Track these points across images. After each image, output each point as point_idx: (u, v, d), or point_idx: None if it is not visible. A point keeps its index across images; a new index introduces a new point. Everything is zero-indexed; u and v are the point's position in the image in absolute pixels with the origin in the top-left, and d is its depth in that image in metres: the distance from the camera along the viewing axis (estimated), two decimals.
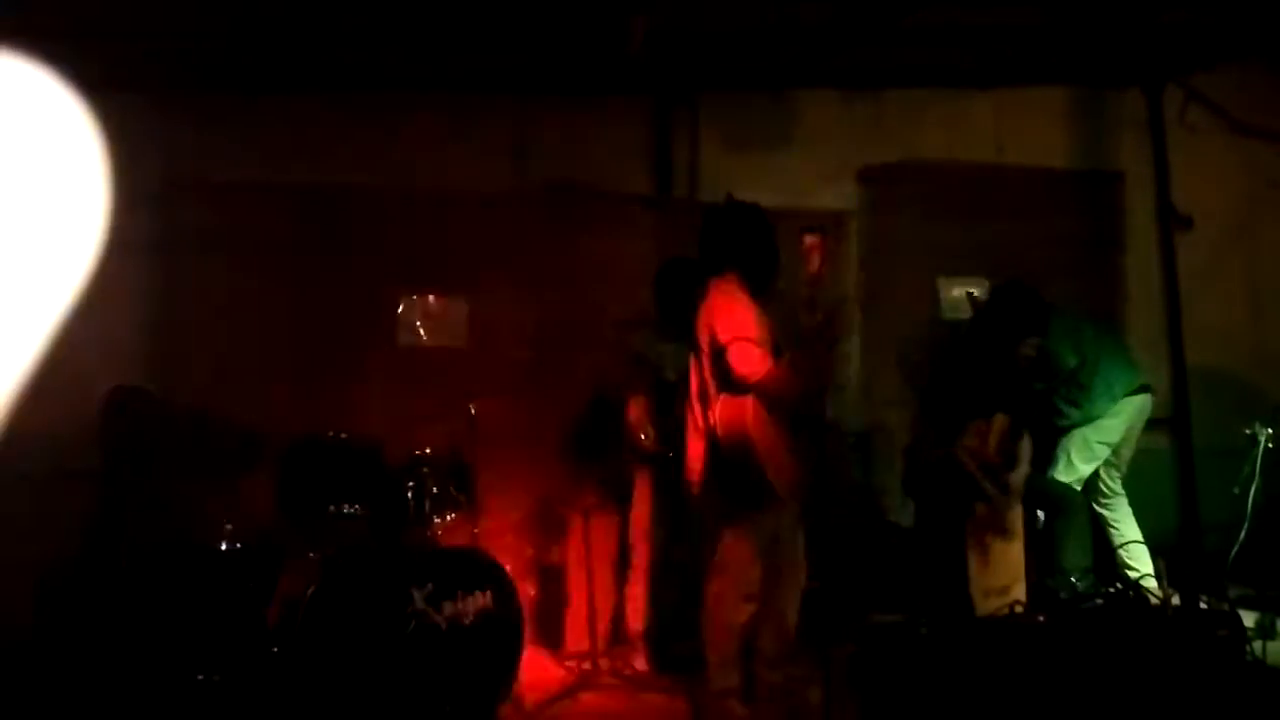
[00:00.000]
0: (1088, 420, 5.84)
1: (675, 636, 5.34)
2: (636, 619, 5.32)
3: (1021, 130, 7.04)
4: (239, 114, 5.72)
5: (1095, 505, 6.01)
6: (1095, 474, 6.00)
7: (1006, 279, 6.06)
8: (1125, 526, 6.00)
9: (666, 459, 5.17)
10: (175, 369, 5.46)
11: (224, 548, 4.37)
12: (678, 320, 4.88)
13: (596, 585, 5.32)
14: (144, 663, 4.15)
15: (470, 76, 6.02)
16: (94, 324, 5.60)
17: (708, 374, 4.30)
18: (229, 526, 4.54)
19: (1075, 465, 5.84)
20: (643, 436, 5.25)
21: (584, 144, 6.29)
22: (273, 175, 5.69)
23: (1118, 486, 6.02)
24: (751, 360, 4.07)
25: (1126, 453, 6.03)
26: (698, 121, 6.52)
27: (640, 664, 5.20)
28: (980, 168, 6.96)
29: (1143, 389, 5.94)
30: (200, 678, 4.13)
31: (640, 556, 5.33)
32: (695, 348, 4.38)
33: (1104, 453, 5.89)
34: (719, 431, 4.16)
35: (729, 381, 4.14)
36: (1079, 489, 5.83)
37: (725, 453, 4.15)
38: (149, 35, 4.99)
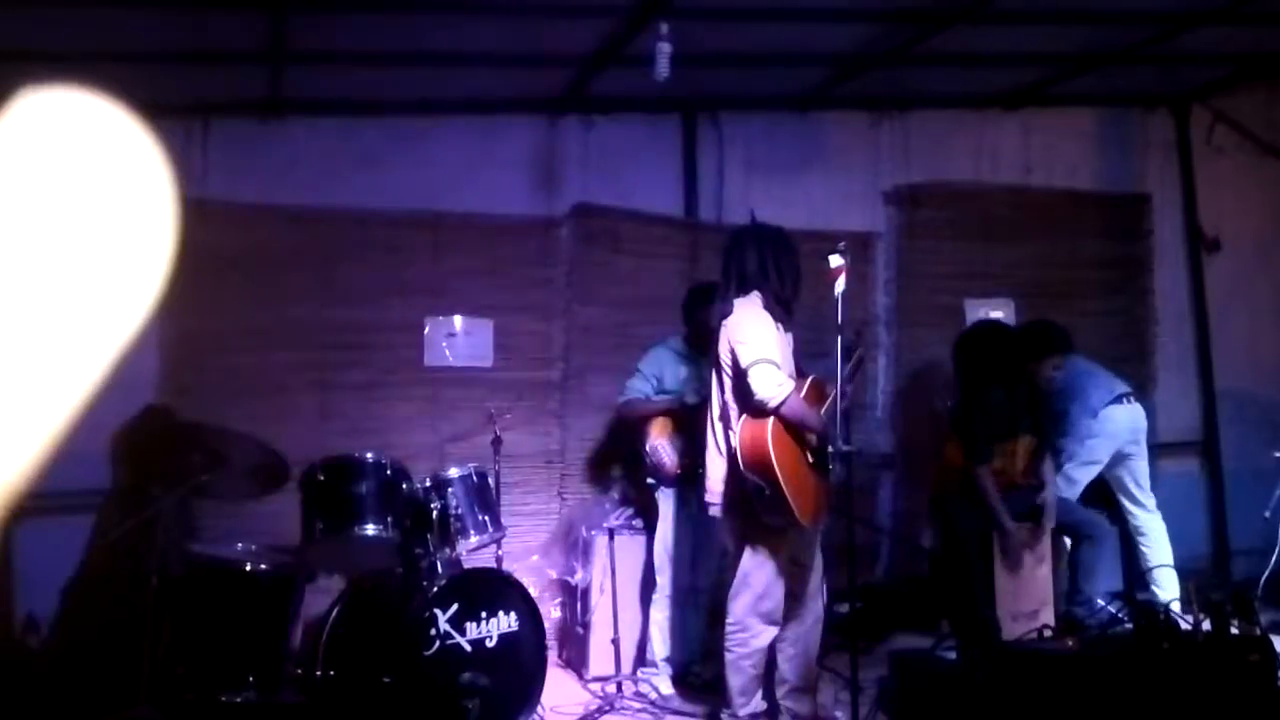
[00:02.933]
0: (1080, 444, 5.80)
1: (699, 660, 5.32)
2: (660, 642, 5.30)
3: (1049, 152, 7.04)
4: (263, 135, 5.75)
5: (1129, 528, 5.96)
6: (1120, 497, 5.95)
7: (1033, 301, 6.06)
8: (1157, 550, 5.94)
9: (688, 480, 5.16)
10: (198, 389, 5.48)
11: (248, 568, 4.36)
12: (705, 342, 4.88)
13: (620, 608, 5.29)
14: (168, 683, 4.15)
15: (497, 97, 6.05)
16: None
17: (729, 395, 4.29)
18: (253, 547, 4.55)
19: (1063, 490, 5.80)
20: (664, 459, 5.23)
21: (612, 164, 6.30)
22: (297, 196, 5.71)
23: (1149, 507, 5.97)
24: (772, 383, 4.06)
25: (1130, 469, 5.96)
26: (723, 142, 6.54)
27: (664, 687, 5.17)
28: (1008, 189, 6.95)
29: (1120, 399, 5.86)
30: (223, 698, 4.13)
31: (664, 579, 5.31)
32: (717, 369, 4.37)
33: (1091, 471, 5.83)
34: (740, 453, 4.14)
35: (750, 403, 4.13)
36: (1103, 514, 5.79)
37: (746, 474, 4.13)
38: (170, 57, 5.03)
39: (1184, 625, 4.38)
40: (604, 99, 6.13)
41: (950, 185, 6.84)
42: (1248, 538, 6.56)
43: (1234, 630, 4.31)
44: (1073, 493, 5.78)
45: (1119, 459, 5.92)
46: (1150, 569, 5.88)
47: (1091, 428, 5.82)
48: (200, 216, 5.62)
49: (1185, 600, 4.98)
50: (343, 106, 5.85)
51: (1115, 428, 5.85)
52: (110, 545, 5.01)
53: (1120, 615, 5.45)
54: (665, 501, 5.31)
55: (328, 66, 5.40)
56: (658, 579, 5.32)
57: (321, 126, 5.85)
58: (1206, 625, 4.32)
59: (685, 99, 6.29)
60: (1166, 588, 5.72)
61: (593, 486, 6.11)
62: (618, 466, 6.00)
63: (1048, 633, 4.84)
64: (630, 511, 5.63)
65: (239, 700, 4.14)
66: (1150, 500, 5.98)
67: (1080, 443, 5.78)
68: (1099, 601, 5.62)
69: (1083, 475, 5.80)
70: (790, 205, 5.98)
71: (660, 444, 5.25)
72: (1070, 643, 4.55)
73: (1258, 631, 4.36)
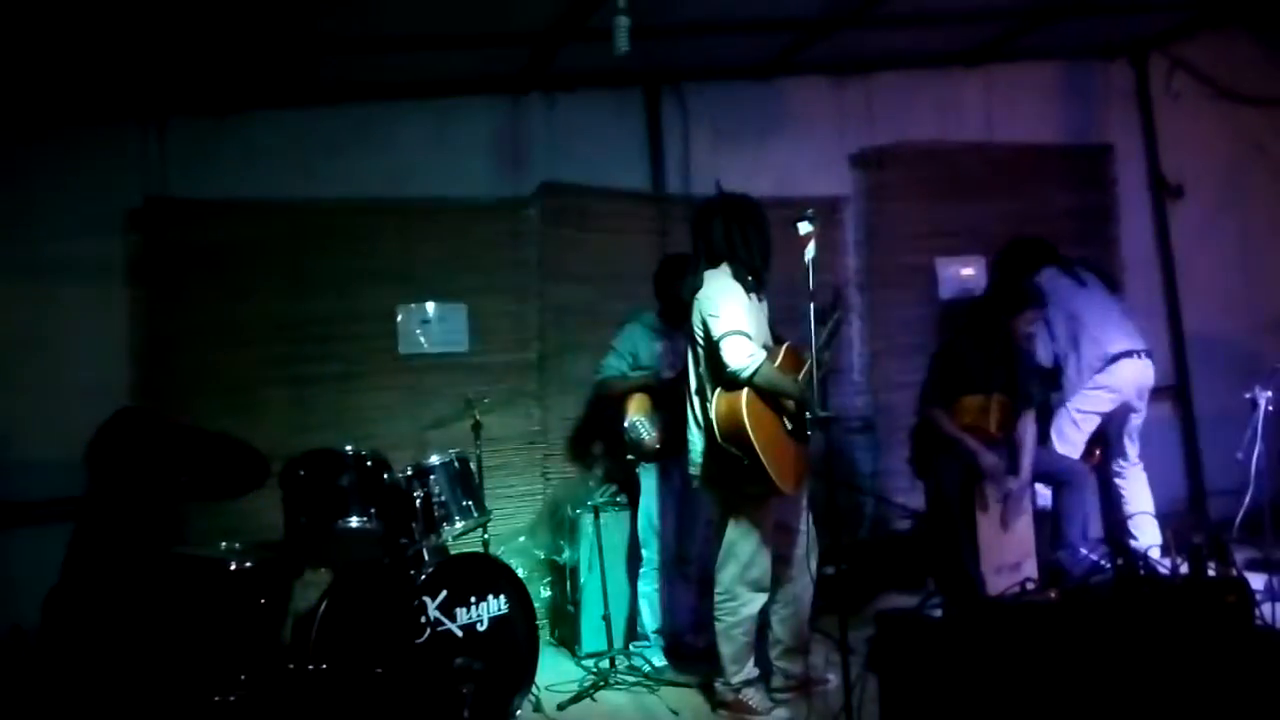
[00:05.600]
0: (1084, 396, 5.84)
1: (690, 630, 5.37)
2: (650, 615, 5.34)
3: (1011, 107, 7.07)
4: (222, 130, 5.70)
5: (1112, 476, 6.04)
6: (1115, 445, 6.02)
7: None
8: (1138, 498, 6.02)
9: (668, 455, 5.19)
10: (171, 390, 5.45)
11: (234, 566, 4.35)
12: (678, 315, 4.88)
13: (609, 583, 5.32)
14: (159, 685, 4.15)
15: (457, 78, 6.00)
16: (84, 346, 5.59)
17: (704, 368, 4.31)
18: (237, 545, 4.54)
19: (1069, 437, 5.86)
20: (643, 435, 5.25)
21: (577, 141, 6.27)
22: (260, 189, 5.66)
23: (1132, 459, 6.06)
24: (743, 354, 4.07)
25: (1128, 422, 6.02)
26: (687, 113, 6.51)
27: (657, 659, 5.21)
28: (972, 146, 6.98)
29: (1125, 355, 5.89)
30: (216, 698, 4.13)
31: (651, 552, 5.35)
32: (691, 343, 4.38)
33: (1093, 421, 5.87)
34: (716, 425, 4.16)
35: (723, 375, 4.14)
36: (1082, 461, 5.85)
37: (724, 446, 4.15)
38: (118, 57, 4.96)
39: (1162, 570, 4.44)
40: (565, 75, 6.09)
41: (915, 145, 6.85)
42: (1223, 479, 6.65)
43: (1211, 572, 4.37)
44: (1079, 443, 5.83)
45: (1122, 412, 5.98)
46: (1130, 516, 5.97)
47: (1098, 379, 5.86)
48: (162, 215, 5.58)
49: (1165, 545, 5.05)
50: (301, 97, 5.79)
51: (1121, 382, 5.88)
52: (93, 550, 4.98)
53: (1102, 562, 5.53)
54: (647, 476, 5.34)
55: (281, 57, 5.33)
56: (644, 553, 5.36)
57: (281, 118, 5.79)
58: (1184, 568, 4.37)
59: (647, 72, 6.27)
60: (1147, 534, 5.79)
61: (575, 465, 6.12)
62: (599, 444, 6.02)
63: (1030, 585, 4.89)
64: (614, 488, 5.65)
65: (233, 699, 4.14)
66: (1134, 453, 6.06)
67: (1079, 393, 5.81)
68: (1081, 550, 5.69)
69: (1086, 424, 5.84)
70: (757, 173, 5.99)
71: (638, 420, 5.27)
72: (1052, 594, 4.60)
73: (1234, 572, 4.42)
